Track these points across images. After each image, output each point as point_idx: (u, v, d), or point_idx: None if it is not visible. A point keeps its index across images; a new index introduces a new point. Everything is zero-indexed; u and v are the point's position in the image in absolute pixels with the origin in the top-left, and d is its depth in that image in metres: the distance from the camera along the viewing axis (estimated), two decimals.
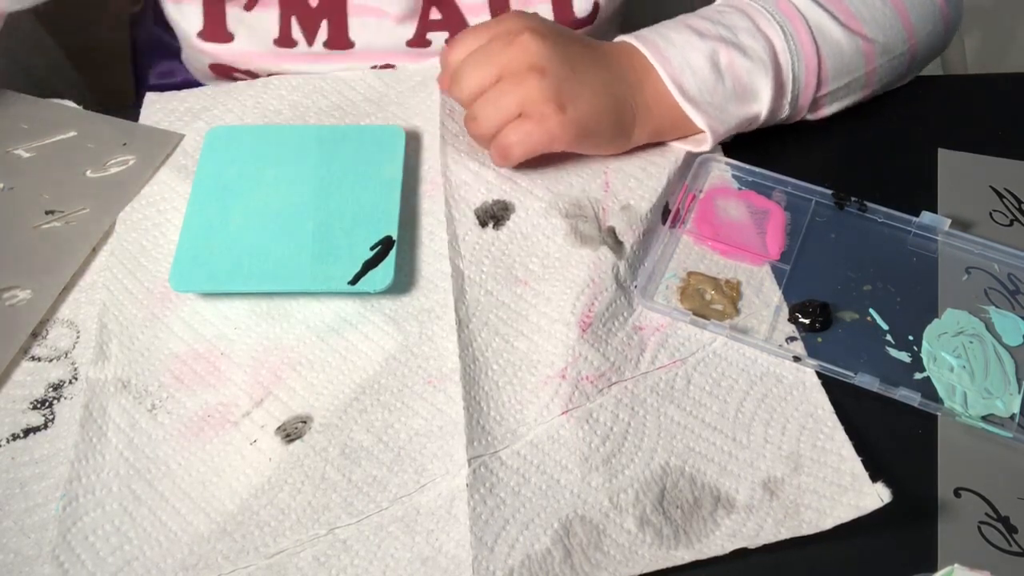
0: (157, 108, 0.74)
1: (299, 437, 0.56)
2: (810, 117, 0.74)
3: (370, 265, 0.62)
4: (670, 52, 0.67)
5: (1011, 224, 0.70)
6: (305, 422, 0.57)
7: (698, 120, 0.67)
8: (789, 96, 0.69)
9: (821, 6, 0.70)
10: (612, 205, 0.67)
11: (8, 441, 0.57)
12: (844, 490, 0.55)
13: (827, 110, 0.74)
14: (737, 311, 0.63)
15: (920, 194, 0.72)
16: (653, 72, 0.67)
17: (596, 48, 0.69)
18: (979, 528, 0.55)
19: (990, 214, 0.71)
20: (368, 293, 0.62)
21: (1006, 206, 0.71)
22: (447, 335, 0.60)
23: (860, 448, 0.57)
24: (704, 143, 0.69)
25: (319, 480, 0.55)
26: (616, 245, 0.65)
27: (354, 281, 0.61)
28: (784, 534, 0.53)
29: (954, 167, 0.74)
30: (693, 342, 0.61)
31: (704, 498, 0.54)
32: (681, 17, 0.71)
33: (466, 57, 0.66)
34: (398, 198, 0.66)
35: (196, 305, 0.62)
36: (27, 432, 0.57)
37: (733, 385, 0.59)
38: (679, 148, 0.71)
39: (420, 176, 0.69)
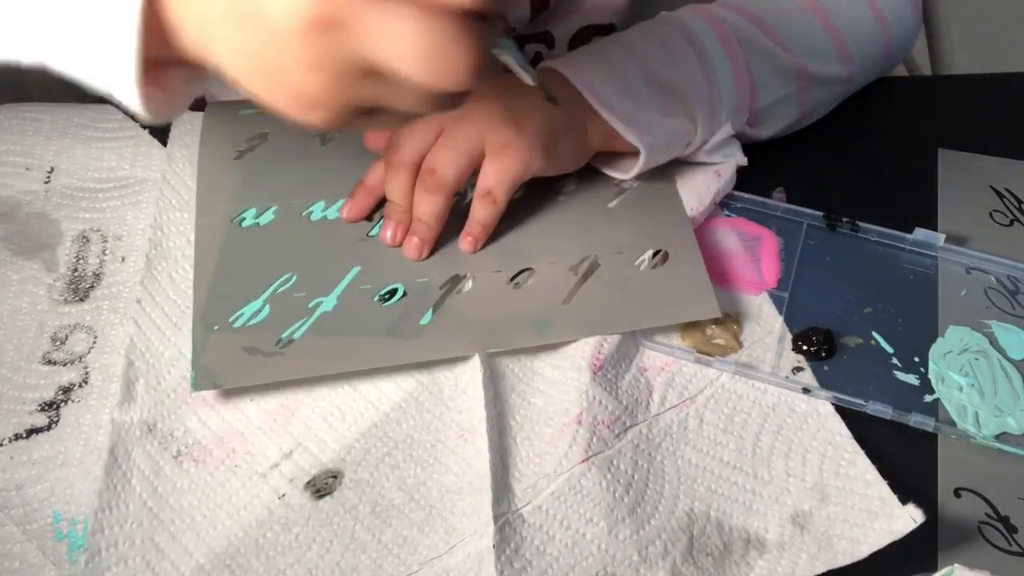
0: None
1: (329, 493, 0.55)
2: (750, 132, 0.71)
3: None
4: (584, 68, 0.64)
5: (1011, 224, 0.71)
6: (336, 477, 0.56)
7: (625, 132, 0.64)
8: (724, 107, 0.67)
9: (748, 23, 0.69)
10: None
11: (10, 441, 0.57)
12: (875, 516, 0.54)
13: (764, 129, 0.72)
14: (740, 344, 0.63)
15: (920, 194, 0.72)
16: (574, 89, 0.64)
17: None
18: (979, 528, 0.56)
19: (990, 214, 0.71)
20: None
21: (1006, 206, 0.72)
22: (478, 387, 0.58)
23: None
24: (640, 158, 0.65)
25: (348, 540, 0.54)
26: None
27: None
28: (820, 568, 0.53)
29: (954, 167, 0.75)
30: (700, 379, 0.61)
31: (734, 542, 0.54)
32: (604, 38, 0.69)
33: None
34: None
35: None
36: (29, 433, 0.57)
37: (746, 420, 0.59)
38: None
39: None
